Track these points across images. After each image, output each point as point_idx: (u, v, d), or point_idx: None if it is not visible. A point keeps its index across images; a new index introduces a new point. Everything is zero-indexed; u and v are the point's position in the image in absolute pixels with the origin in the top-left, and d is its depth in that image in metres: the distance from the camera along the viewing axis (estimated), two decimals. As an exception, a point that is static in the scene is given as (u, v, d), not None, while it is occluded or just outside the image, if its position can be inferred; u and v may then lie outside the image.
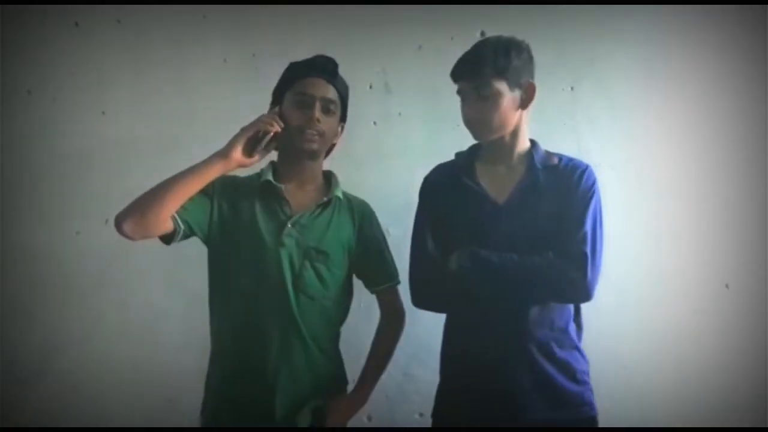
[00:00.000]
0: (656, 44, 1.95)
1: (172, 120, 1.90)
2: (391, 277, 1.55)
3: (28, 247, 1.87)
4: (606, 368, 1.85)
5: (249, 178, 1.46)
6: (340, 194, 1.48)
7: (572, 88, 1.94)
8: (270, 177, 1.44)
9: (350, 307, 1.54)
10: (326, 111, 1.43)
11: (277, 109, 1.43)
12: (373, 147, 1.92)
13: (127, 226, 1.28)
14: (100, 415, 1.84)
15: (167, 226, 1.32)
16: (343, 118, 1.51)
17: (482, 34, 1.88)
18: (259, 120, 1.39)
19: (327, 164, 1.57)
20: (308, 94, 1.42)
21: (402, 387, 1.86)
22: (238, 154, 1.35)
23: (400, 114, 1.93)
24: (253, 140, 1.38)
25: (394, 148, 1.91)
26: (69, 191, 1.89)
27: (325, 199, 1.46)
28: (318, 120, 1.41)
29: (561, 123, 1.93)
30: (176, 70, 1.92)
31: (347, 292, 1.51)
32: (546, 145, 1.51)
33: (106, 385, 1.86)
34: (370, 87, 1.94)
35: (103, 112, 1.91)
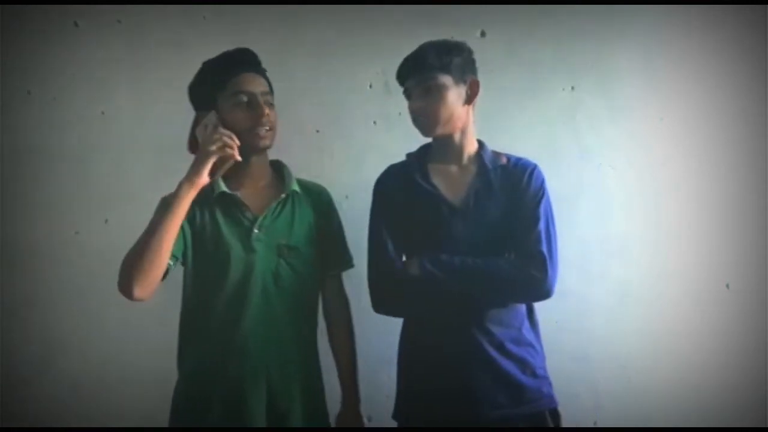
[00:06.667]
0: (656, 44, 1.95)
1: (172, 120, 1.90)
2: (347, 261, 1.55)
3: (28, 246, 1.87)
4: (606, 368, 1.86)
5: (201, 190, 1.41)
6: (296, 188, 1.48)
7: (572, 88, 1.94)
8: (223, 187, 1.42)
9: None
10: (267, 104, 1.42)
11: (214, 114, 1.38)
12: (373, 147, 1.92)
13: (138, 292, 1.28)
14: (100, 414, 1.84)
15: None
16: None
17: (482, 34, 1.88)
18: (218, 141, 1.32)
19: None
20: (248, 92, 1.40)
21: (402, 387, 1.86)
22: (205, 179, 1.33)
23: (400, 114, 1.93)
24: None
25: (394, 148, 1.91)
26: (69, 191, 1.88)
27: (283, 195, 1.45)
28: (267, 115, 1.40)
29: (561, 123, 1.93)
30: (176, 70, 1.91)
31: (318, 283, 1.52)
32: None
33: (106, 385, 1.85)
34: (370, 87, 1.94)
35: (103, 112, 1.91)
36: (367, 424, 1.82)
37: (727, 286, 1.91)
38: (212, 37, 1.91)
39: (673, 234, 1.92)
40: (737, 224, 1.92)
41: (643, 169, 1.93)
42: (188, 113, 1.91)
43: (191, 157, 1.39)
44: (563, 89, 1.93)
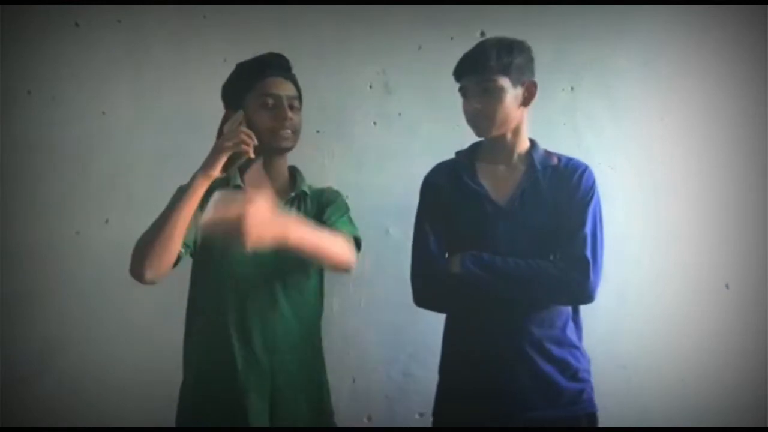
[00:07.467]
0: (656, 44, 1.95)
1: (172, 120, 1.90)
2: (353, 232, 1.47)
3: (28, 247, 1.87)
4: (606, 368, 1.86)
5: (214, 182, 1.42)
6: (306, 189, 1.49)
7: (572, 88, 1.94)
8: (239, 180, 1.44)
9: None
10: (292, 108, 1.44)
11: (241, 113, 1.42)
12: (373, 147, 1.92)
13: (149, 275, 1.29)
14: (100, 414, 1.84)
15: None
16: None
17: (482, 34, 1.88)
18: (235, 137, 1.35)
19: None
20: (274, 95, 1.43)
21: (402, 387, 1.85)
22: (218, 172, 1.35)
23: (400, 114, 1.93)
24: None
25: (394, 148, 1.92)
26: (69, 191, 1.88)
27: (293, 194, 1.46)
28: (291, 119, 1.42)
29: (561, 123, 1.93)
30: (176, 70, 1.92)
31: (322, 284, 1.52)
32: (546, 145, 1.51)
33: (106, 385, 1.85)
34: (370, 87, 1.94)
35: (103, 112, 1.91)
36: (366, 423, 1.82)
37: (727, 286, 1.91)
38: (212, 37, 1.92)
39: (673, 234, 1.92)
40: (737, 224, 1.92)
41: (643, 169, 1.93)
42: (188, 113, 1.92)
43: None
44: (563, 89, 1.94)
